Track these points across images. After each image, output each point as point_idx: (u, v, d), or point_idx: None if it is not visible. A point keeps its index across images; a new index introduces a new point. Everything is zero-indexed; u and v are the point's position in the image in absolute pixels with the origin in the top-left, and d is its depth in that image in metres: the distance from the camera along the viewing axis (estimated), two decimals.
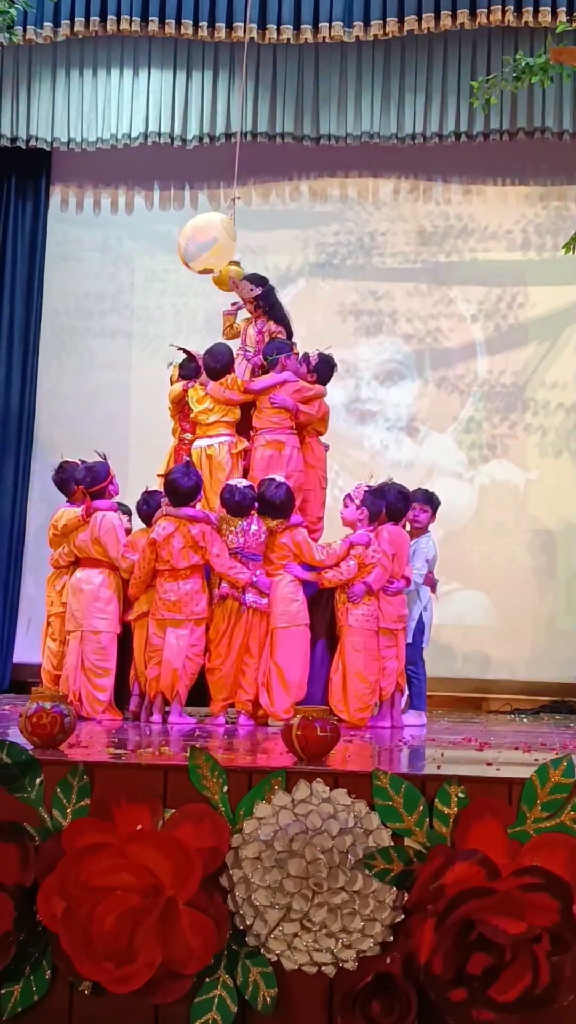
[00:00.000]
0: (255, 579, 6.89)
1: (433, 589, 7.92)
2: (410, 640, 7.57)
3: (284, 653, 6.96)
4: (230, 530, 7.02)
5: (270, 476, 7.23)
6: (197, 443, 7.74)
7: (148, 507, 7.21)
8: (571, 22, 8.38)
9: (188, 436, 7.84)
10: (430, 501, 7.90)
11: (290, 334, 8.13)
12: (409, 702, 7.64)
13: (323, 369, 7.88)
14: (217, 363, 7.78)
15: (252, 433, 7.74)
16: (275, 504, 7.06)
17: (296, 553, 7.10)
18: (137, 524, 7.49)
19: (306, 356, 7.83)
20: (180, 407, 7.95)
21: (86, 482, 7.33)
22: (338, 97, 9.63)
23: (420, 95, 9.51)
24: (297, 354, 7.84)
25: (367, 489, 7.31)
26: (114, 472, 7.44)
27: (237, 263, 8.12)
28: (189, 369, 7.97)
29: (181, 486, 6.98)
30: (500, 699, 9.57)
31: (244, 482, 7.21)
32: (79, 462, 7.63)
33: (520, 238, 10.19)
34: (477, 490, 10.08)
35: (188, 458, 7.55)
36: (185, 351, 8.04)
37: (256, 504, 7.09)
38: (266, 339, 7.97)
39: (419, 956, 3.81)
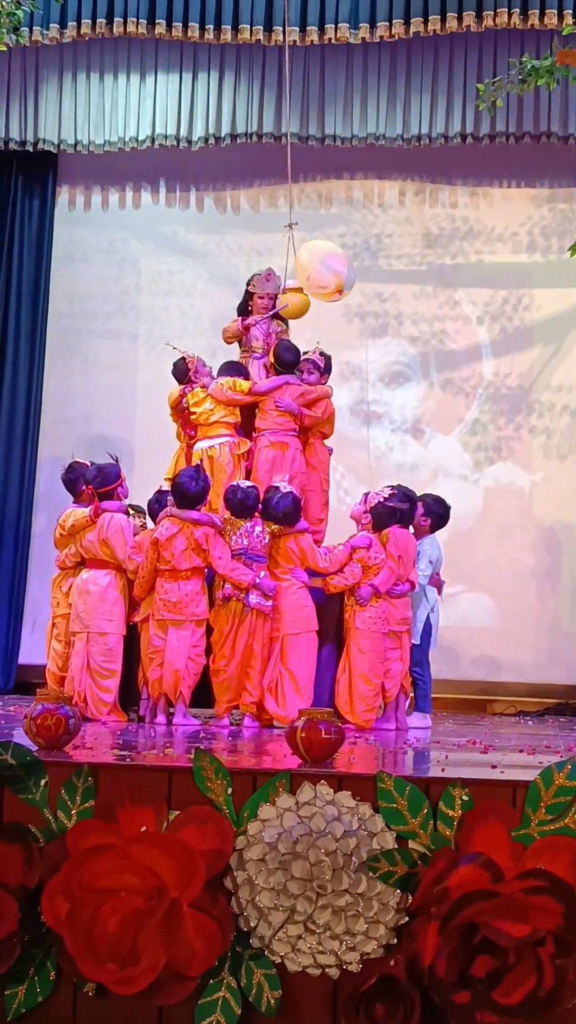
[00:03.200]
0: (258, 581, 6.90)
1: (439, 591, 7.92)
2: (417, 642, 7.58)
3: (296, 659, 6.97)
4: (234, 531, 7.03)
5: (276, 484, 7.23)
6: (199, 444, 7.75)
7: (160, 506, 7.23)
8: None
9: (193, 440, 7.84)
10: (431, 512, 7.86)
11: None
12: (414, 704, 7.64)
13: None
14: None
15: (255, 434, 7.76)
16: (278, 515, 7.07)
17: (301, 558, 7.11)
18: (149, 524, 7.52)
19: (310, 360, 7.83)
20: (180, 412, 7.96)
21: (96, 482, 7.34)
22: (344, 98, 9.63)
23: (426, 97, 9.51)
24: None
25: (383, 500, 7.30)
26: (124, 475, 7.46)
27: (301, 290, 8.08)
28: (179, 371, 7.98)
29: (188, 490, 6.99)
30: (505, 701, 9.56)
31: (247, 483, 7.22)
32: (89, 463, 7.64)
33: (526, 240, 10.19)
34: (482, 492, 10.07)
35: (199, 462, 7.55)
36: (179, 351, 8.04)
37: (260, 507, 7.11)
38: (274, 340, 7.99)
39: (423, 959, 3.80)
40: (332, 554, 7.15)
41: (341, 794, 4.04)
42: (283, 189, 10.29)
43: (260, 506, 7.12)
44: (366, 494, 7.53)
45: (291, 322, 8.27)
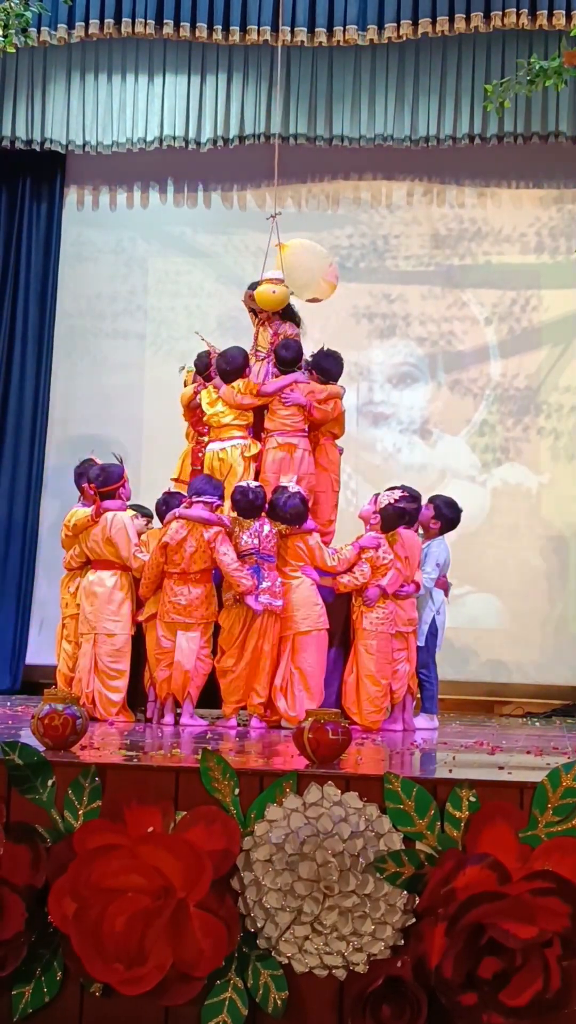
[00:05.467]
0: (257, 594, 6.88)
1: (446, 592, 7.90)
2: (422, 643, 7.57)
3: (307, 658, 6.97)
4: (243, 531, 7.03)
5: (283, 484, 7.24)
6: (211, 446, 7.74)
7: (167, 507, 7.24)
8: None
9: (205, 439, 7.84)
10: (441, 515, 7.85)
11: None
12: (420, 705, 7.63)
13: (328, 365, 7.86)
14: (229, 366, 7.77)
15: (264, 435, 7.74)
16: (286, 515, 7.07)
17: (309, 557, 7.11)
18: (155, 525, 7.51)
19: (305, 362, 7.82)
20: (192, 411, 7.96)
21: (99, 481, 7.34)
22: (352, 99, 9.64)
23: (434, 98, 9.51)
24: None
25: (393, 502, 7.30)
26: (128, 477, 7.46)
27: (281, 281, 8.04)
28: (202, 363, 7.96)
29: (255, 502, 7.08)
30: (512, 702, 9.55)
31: (254, 483, 7.23)
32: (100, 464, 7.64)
33: (534, 241, 10.18)
34: (490, 493, 10.07)
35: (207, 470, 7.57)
36: (207, 343, 8.03)
37: (267, 507, 7.11)
38: (281, 339, 7.97)
39: (430, 960, 3.80)
40: (340, 553, 7.15)
41: (348, 795, 4.03)
42: (291, 189, 10.33)
43: (267, 506, 7.12)
44: (376, 495, 7.53)
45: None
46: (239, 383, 7.70)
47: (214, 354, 7.92)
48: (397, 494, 7.37)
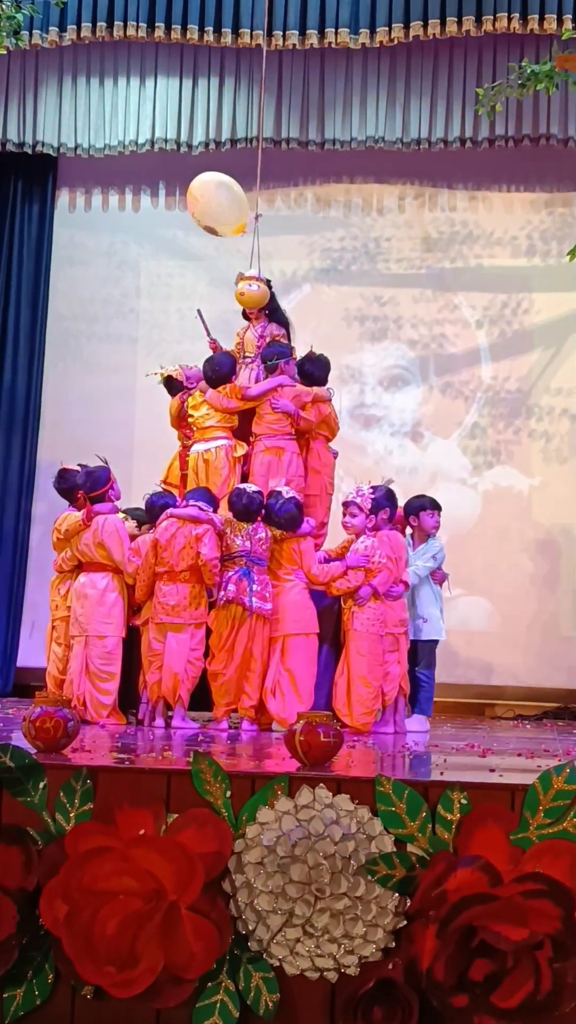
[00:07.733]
0: (257, 589, 6.89)
1: (440, 583, 7.92)
2: (439, 637, 7.67)
3: (296, 660, 6.98)
4: (235, 534, 7.04)
5: (278, 489, 7.23)
6: (195, 447, 7.74)
7: (153, 506, 7.25)
8: None
9: (190, 443, 7.85)
10: (438, 507, 7.89)
11: (289, 338, 8.14)
12: (410, 708, 7.63)
13: (311, 369, 7.85)
14: (215, 373, 7.76)
15: (252, 439, 7.74)
16: (281, 520, 7.08)
17: (301, 561, 7.12)
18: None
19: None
20: (181, 420, 7.95)
21: (86, 487, 7.34)
22: (344, 103, 9.64)
23: (426, 101, 9.51)
24: (296, 358, 7.86)
25: (384, 494, 7.31)
26: (115, 477, 7.44)
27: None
28: (174, 387, 7.99)
29: (250, 507, 7.09)
30: (503, 705, 9.55)
31: (253, 487, 7.22)
32: (79, 468, 7.62)
33: (525, 244, 10.19)
34: (481, 496, 10.07)
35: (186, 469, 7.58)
36: (167, 375, 8.06)
37: (263, 511, 7.11)
38: (267, 341, 7.96)
39: (421, 962, 3.80)
40: (328, 567, 7.15)
41: (340, 797, 4.04)
42: (281, 192, 10.33)
43: (263, 512, 7.13)
44: (351, 503, 7.45)
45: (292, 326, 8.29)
46: (225, 387, 7.70)
47: (175, 373, 7.96)
48: (366, 487, 7.40)
